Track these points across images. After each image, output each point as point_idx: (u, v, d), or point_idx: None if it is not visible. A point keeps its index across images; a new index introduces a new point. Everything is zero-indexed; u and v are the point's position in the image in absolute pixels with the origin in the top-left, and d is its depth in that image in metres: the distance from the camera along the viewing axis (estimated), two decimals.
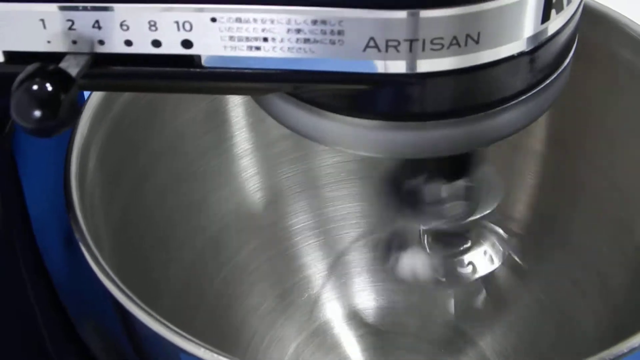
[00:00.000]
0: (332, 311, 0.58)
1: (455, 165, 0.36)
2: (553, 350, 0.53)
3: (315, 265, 0.59)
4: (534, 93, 0.31)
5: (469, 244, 0.41)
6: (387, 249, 0.43)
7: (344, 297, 0.58)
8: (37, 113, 0.27)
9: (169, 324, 0.36)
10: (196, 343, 0.35)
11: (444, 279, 0.41)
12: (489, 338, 0.56)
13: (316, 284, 0.58)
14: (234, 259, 0.55)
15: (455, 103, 0.30)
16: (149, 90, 0.35)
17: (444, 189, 0.37)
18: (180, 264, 0.52)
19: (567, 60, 0.32)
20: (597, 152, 0.52)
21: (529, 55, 0.30)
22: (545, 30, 0.30)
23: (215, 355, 0.34)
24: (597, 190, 0.52)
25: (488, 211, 0.39)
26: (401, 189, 0.38)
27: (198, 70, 0.30)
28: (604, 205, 0.52)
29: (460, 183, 0.37)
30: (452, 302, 0.57)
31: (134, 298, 0.36)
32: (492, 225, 0.42)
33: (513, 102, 0.31)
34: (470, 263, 0.41)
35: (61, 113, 0.28)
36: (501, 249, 0.42)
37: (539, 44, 0.30)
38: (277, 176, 0.56)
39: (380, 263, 0.43)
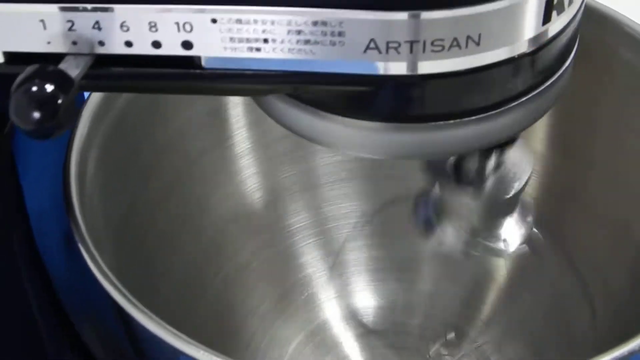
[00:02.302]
0: (332, 310, 0.58)
1: None
2: (553, 351, 0.53)
3: (314, 265, 0.59)
4: (535, 94, 0.31)
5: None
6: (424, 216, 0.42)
7: (343, 297, 0.58)
8: (36, 114, 0.27)
9: (168, 326, 0.36)
10: (195, 345, 0.35)
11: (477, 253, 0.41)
12: (489, 338, 0.56)
13: (316, 283, 0.58)
14: (233, 258, 0.55)
15: (456, 105, 0.30)
16: (149, 91, 0.35)
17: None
18: (180, 264, 0.51)
19: (568, 62, 0.32)
20: (597, 152, 0.52)
21: (530, 56, 0.30)
22: (546, 32, 0.30)
23: (214, 357, 0.34)
24: (597, 190, 0.52)
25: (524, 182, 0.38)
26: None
27: (198, 71, 0.30)
28: (604, 205, 0.52)
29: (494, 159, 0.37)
30: (451, 302, 0.57)
31: (133, 300, 0.36)
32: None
33: (514, 103, 0.31)
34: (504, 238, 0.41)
35: (60, 115, 0.28)
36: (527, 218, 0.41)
37: (539, 45, 0.30)
38: (276, 175, 0.56)
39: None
